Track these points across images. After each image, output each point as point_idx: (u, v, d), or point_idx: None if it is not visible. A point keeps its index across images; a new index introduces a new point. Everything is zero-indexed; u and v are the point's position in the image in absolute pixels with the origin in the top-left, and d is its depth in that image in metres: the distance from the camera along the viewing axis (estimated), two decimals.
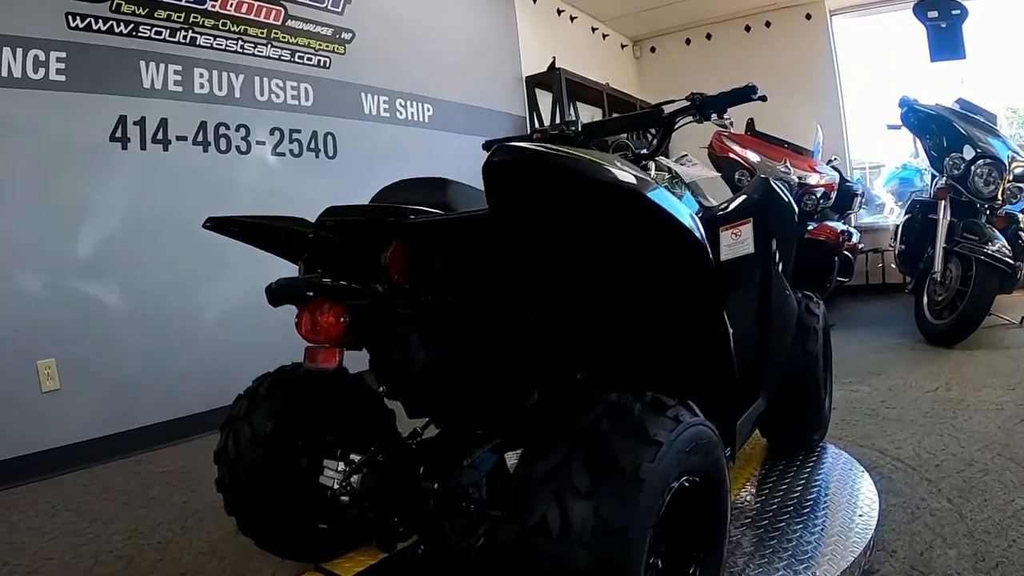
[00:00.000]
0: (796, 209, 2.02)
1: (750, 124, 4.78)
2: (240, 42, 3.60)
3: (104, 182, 3.08)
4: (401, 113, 4.50)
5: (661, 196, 0.98)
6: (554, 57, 5.67)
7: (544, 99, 5.72)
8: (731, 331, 1.24)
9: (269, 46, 3.74)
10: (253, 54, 3.66)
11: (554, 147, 0.91)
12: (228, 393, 3.12)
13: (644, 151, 2.02)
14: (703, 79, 7.15)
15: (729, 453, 1.45)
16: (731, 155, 4.51)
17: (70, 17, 2.98)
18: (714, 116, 2.02)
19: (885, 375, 3.36)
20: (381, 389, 1.26)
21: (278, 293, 1.24)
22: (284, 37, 3.81)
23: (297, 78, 3.88)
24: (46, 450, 2.83)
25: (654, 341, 1.25)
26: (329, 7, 4.05)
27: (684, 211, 1.06)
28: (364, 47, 4.25)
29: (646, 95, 7.47)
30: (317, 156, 3.95)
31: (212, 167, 3.46)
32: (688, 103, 1.95)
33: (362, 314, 1.19)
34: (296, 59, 3.88)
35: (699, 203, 2.07)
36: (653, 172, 1.91)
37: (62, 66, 2.94)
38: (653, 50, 7.62)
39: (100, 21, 3.07)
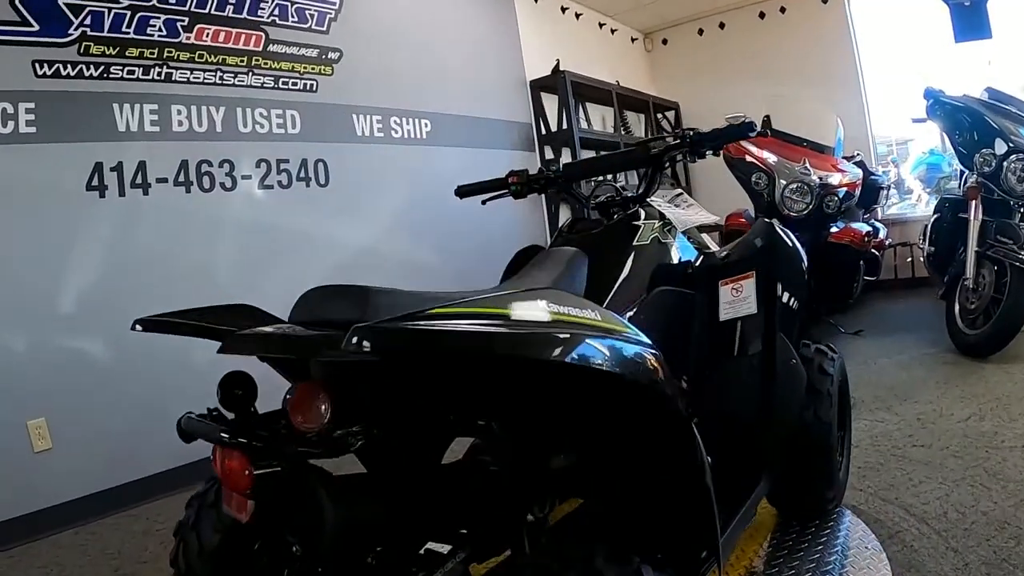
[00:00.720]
0: (805, 259, 1.81)
1: (767, 122, 4.52)
2: (219, 73, 3.46)
3: (83, 233, 2.97)
4: (396, 132, 4.34)
5: (585, 350, 0.81)
6: (558, 60, 5.46)
7: (551, 103, 5.51)
8: (708, 463, 1.06)
9: (250, 74, 3.59)
10: (233, 84, 3.52)
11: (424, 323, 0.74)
12: None
13: (630, 193, 1.85)
14: (718, 72, 7.12)
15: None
16: (747, 157, 4.26)
17: (37, 65, 2.86)
18: (709, 153, 1.84)
19: (913, 399, 3.13)
20: (295, 550, 1.10)
21: (186, 434, 1.09)
22: (266, 63, 3.66)
23: (282, 105, 3.73)
24: (40, 510, 2.75)
25: (608, 484, 1.08)
26: (313, 27, 3.89)
27: (629, 354, 0.88)
28: (353, 65, 4.08)
29: (659, 91, 7.21)
30: (308, 185, 3.81)
31: (196, 207, 3.33)
32: (679, 140, 1.77)
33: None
34: (280, 85, 3.73)
35: (697, 249, 1.89)
36: (642, 218, 1.73)
37: (31, 117, 2.84)
38: (665, 42, 7.34)
39: (69, 66, 2.95)
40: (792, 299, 1.68)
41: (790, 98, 5.32)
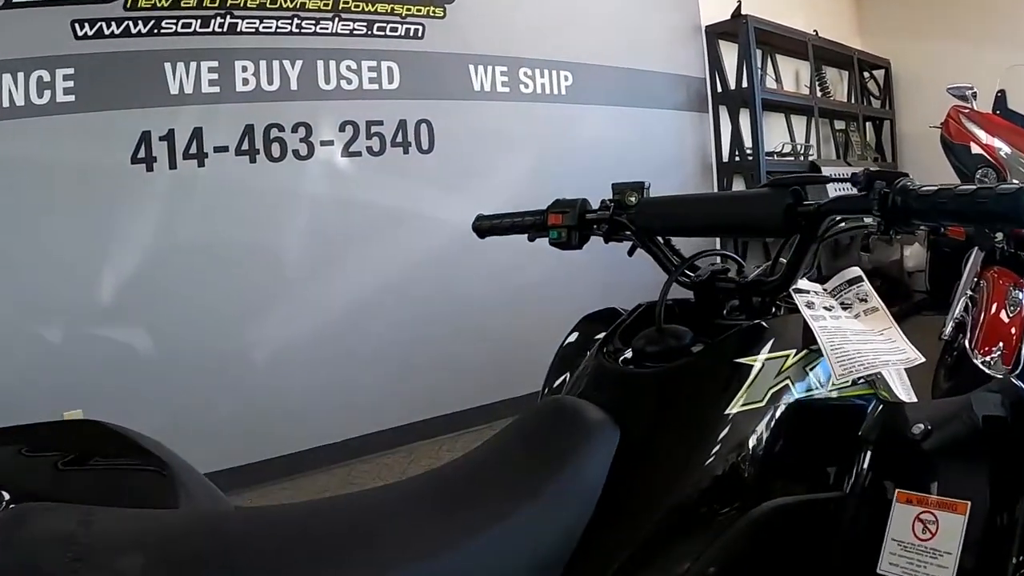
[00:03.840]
0: None
1: (1000, 99, 2.96)
2: (295, 20, 2.95)
3: (127, 211, 2.66)
4: (527, 86, 3.53)
5: None
6: (739, 1, 4.26)
7: (730, 54, 4.31)
8: None
9: (336, 20, 3.04)
10: (314, 32, 3.00)
11: None
12: (279, 442, 2.84)
13: (758, 275, 1.02)
14: (942, 27, 5.27)
15: None
16: (972, 145, 2.77)
17: (76, 26, 2.56)
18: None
19: None
20: None
21: None
22: (356, 6, 3.08)
23: (376, 55, 3.13)
24: None
25: None
26: None
27: None
28: (471, 5, 3.36)
29: (866, 45, 5.64)
30: (406, 151, 3.20)
31: (262, 180, 2.89)
32: (863, 193, 0.87)
33: None
34: (374, 31, 3.13)
35: (875, 397, 0.94)
36: (765, 348, 0.89)
37: (70, 84, 2.54)
38: None
39: (113, 24, 2.62)
40: None
41: None
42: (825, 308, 0.94)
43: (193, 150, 2.76)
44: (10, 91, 2.47)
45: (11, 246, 2.46)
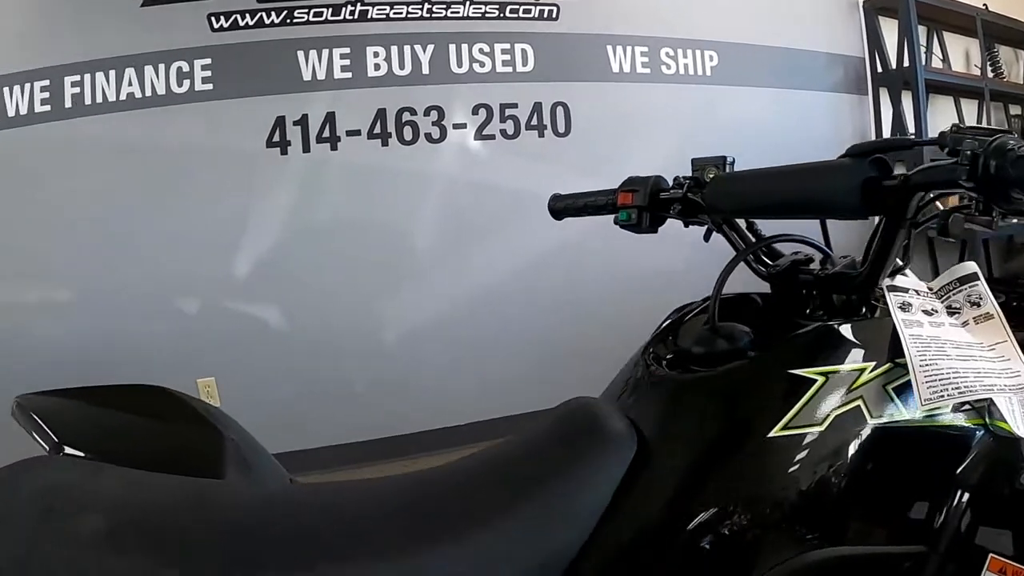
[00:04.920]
0: None
1: None
2: (426, 5, 2.87)
3: (263, 193, 2.73)
4: (669, 67, 3.25)
5: None
6: None
7: (891, 30, 3.82)
8: None
9: (467, 3, 2.94)
10: (445, 16, 2.90)
11: None
12: (410, 422, 2.83)
13: (845, 267, 0.84)
14: None
15: None
16: None
17: (213, 19, 2.64)
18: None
19: None
20: None
21: None
22: None
23: (510, 37, 2.99)
24: None
25: None
26: None
27: None
28: None
29: None
30: (541, 135, 2.99)
31: (394, 162, 2.82)
32: (947, 153, 0.69)
33: None
34: (507, 14, 3.00)
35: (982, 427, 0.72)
36: (845, 358, 0.73)
37: (208, 74, 2.63)
38: None
39: (247, 16, 2.68)
40: None
41: None
42: (925, 312, 0.75)
43: (326, 134, 2.74)
44: (152, 81, 2.59)
45: (153, 224, 2.60)
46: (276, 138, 2.68)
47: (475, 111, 2.92)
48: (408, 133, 2.82)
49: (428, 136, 2.85)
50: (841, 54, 3.78)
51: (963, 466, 0.68)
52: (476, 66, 2.94)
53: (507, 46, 2.99)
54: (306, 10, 2.72)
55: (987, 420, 0.69)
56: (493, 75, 2.96)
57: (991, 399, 0.68)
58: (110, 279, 2.56)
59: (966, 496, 0.67)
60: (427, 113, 2.85)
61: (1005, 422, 0.68)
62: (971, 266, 0.78)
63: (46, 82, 2.46)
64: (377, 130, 2.79)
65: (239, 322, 2.68)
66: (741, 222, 0.96)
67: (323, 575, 0.64)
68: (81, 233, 2.55)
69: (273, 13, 2.69)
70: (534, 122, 2.99)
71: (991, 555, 0.65)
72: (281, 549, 0.66)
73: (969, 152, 0.65)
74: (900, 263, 0.78)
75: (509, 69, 2.99)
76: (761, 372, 0.75)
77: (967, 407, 0.70)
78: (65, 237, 2.54)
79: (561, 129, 3.03)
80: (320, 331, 2.74)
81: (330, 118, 2.73)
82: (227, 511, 0.72)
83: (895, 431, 0.69)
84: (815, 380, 0.70)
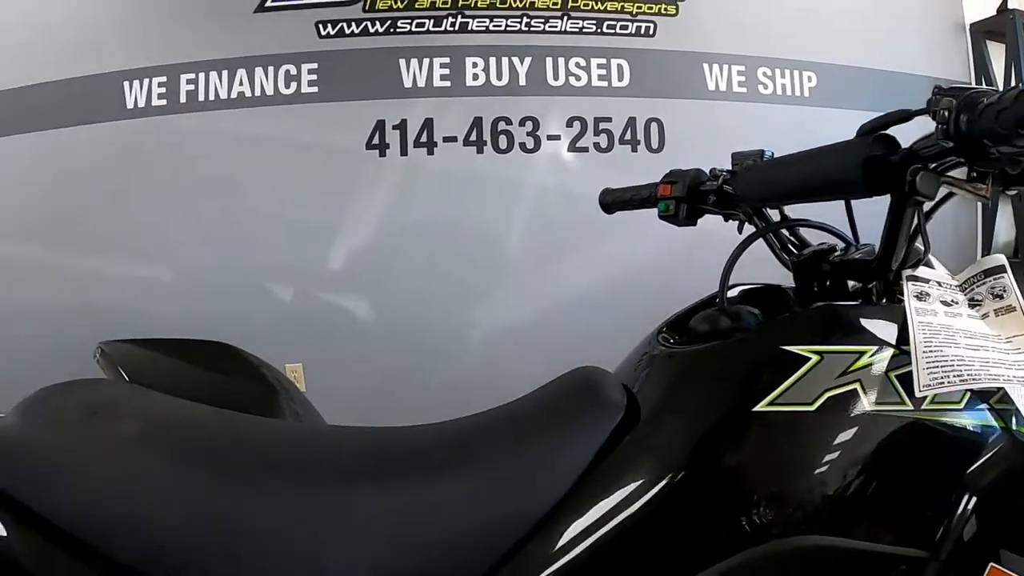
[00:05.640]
0: None
1: None
2: (525, 19, 2.91)
3: (359, 191, 2.81)
4: (766, 87, 3.21)
5: None
6: None
7: (999, 54, 3.69)
8: None
9: (565, 18, 2.96)
10: (543, 31, 2.93)
11: None
12: None
13: (864, 254, 0.83)
14: None
15: None
16: None
17: (320, 26, 2.75)
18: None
19: None
20: None
21: None
22: (586, 4, 2.99)
23: (606, 53, 3.00)
24: None
25: None
26: None
27: None
28: (706, 3, 3.16)
29: None
30: (634, 149, 2.97)
31: (488, 169, 2.84)
32: (944, 127, 0.68)
33: None
34: (604, 29, 3.01)
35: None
36: (837, 332, 0.73)
37: (313, 77, 2.74)
38: None
39: (353, 24, 2.77)
40: None
41: None
42: (943, 303, 0.71)
43: (424, 139, 2.79)
44: (261, 82, 2.71)
45: (256, 214, 2.72)
46: (375, 140, 2.75)
47: (569, 123, 2.92)
48: (503, 142, 2.85)
49: (522, 146, 2.86)
50: (946, 78, 3.67)
51: (977, 466, 0.65)
52: (572, 79, 2.95)
53: (603, 61, 3.00)
54: (409, 20, 2.80)
55: (1013, 426, 0.65)
56: (589, 89, 2.96)
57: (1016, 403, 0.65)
58: (212, 262, 2.69)
59: (974, 500, 0.64)
60: (522, 123, 2.87)
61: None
62: (999, 258, 0.74)
63: (163, 78, 2.61)
64: (473, 137, 2.83)
65: (330, 313, 2.77)
66: (776, 214, 0.96)
67: (328, 493, 0.70)
68: (188, 217, 2.68)
69: (378, 22, 2.77)
70: (628, 137, 2.98)
71: (991, 565, 0.63)
72: (298, 468, 0.72)
73: (945, 112, 0.65)
74: (920, 250, 0.75)
75: (605, 84, 2.99)
76: (753, 346, 0.74)
77: (985, 406, 0.66)
78: (174, 220, 2.67)
79: (655, 145, 3.00)
80: (406, 327, 2.79)
81: (428, 124, 2.79)
82: (257, 431, 0.80)
83: (898, 422, 0.66)
84: (809, 358, 0.67)
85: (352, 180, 2.76)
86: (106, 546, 0.65)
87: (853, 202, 0.89)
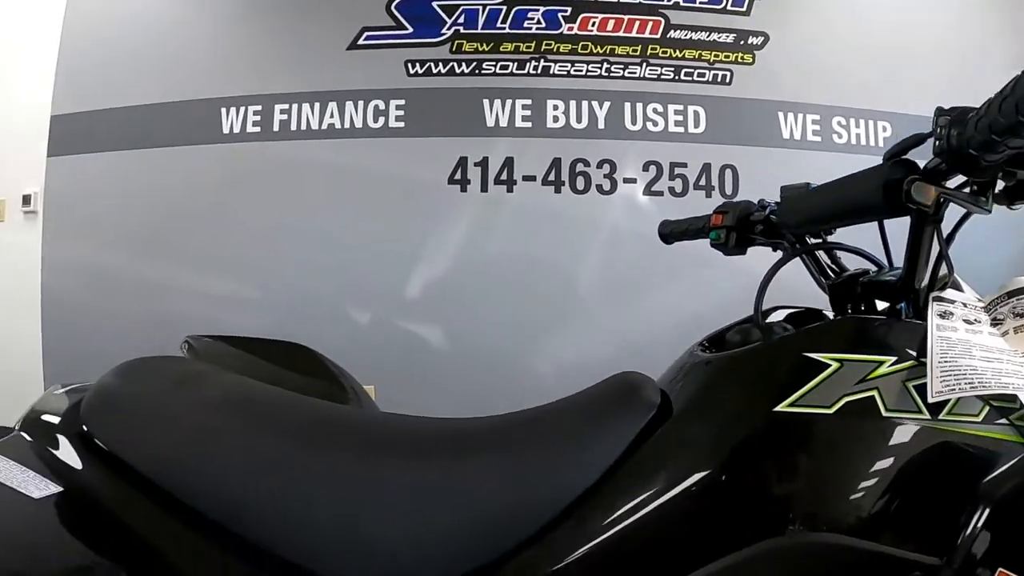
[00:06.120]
0: None
1: None
2: (605, 64, 2.97)
3: (440, 224, 2.89)
4: (840, 136, 3.21)
5: None
6: None
7: None
8: None
9: (644, 65, 3.02)
10: (623, 76, 2.99)
11: None
12: None
13: (885, 275, 0.87)
14: None
15: None
16: None
17: (409, 64, 2.88)
18: None
19: None
20: None
21: None
22: (664, 52, 3.05)
23: (683, 100, 3.04)
24: None
25: None
26: (728, 7, 3.14)
27: None
28: (782, 52, 3.19)
29: None
30: (709, 195, 2.98)
31: (565, 209, 2.89)
32: (939, 147, 0.74)
33: None
34: (682, 76, 3.06)
35: None
36: (857, 342, 0.75)
37: (401, 113, 2.86)
38: None
39: (440, 64, 2.88)
40: None
41: None
42: (966, 321, 0.74)
43: (504, 176, 2.87)
44: (351, 115, 2.83)
45: (341, 238, 2.84)
46: (457, 176, 2.84)
47: (645, 167, 2.96)
48: (580, 183, 2.89)
49: (599, 187, 2.90)
50: None
51: (989, 479, 0.65)
52: (649, 124, 2.99)
53: (680, 107, 3.04)
54: (494, 63, 2.89)
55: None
56: (665, 134, 3.00)
57: None
58: (295, 282, 2.82)
59: (988, 511, 0.63)
60: (600, 166, 2.91)
61: None
62: (1023, 280, 0.76)
63: (259, 107, 2.75)
64: (551, 177, 2.88)
65: (405, 338, 2.85)
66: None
67: (376, 464, 0.78)
68: (275, 238, 2.83)
69: (464, 63, 2.88)
70: (702, 182, 3.00)
71: (1000, 569, 0.63)
72: (355, 441, 0.81)
73: (939, 129, 0.69)
74: (946, 273, 0.77)
75: (681, 129, 3.02)
76: (778, 352, 0.78)
77: (1005, 421, 0.67)
78: (261, 240, 2.80)
79: (729, 191, 3.02)
80: (478, 357, 2.85)
81: (508, 163, 2.86)
82: (321, 407, 0.89)
83: (914, 429, 0.67)
84: (829, 364, 0.71)
85: (433, 213, 2.83)
86: (179, 490, 0.75)
87: (892, 226, 0.92)
